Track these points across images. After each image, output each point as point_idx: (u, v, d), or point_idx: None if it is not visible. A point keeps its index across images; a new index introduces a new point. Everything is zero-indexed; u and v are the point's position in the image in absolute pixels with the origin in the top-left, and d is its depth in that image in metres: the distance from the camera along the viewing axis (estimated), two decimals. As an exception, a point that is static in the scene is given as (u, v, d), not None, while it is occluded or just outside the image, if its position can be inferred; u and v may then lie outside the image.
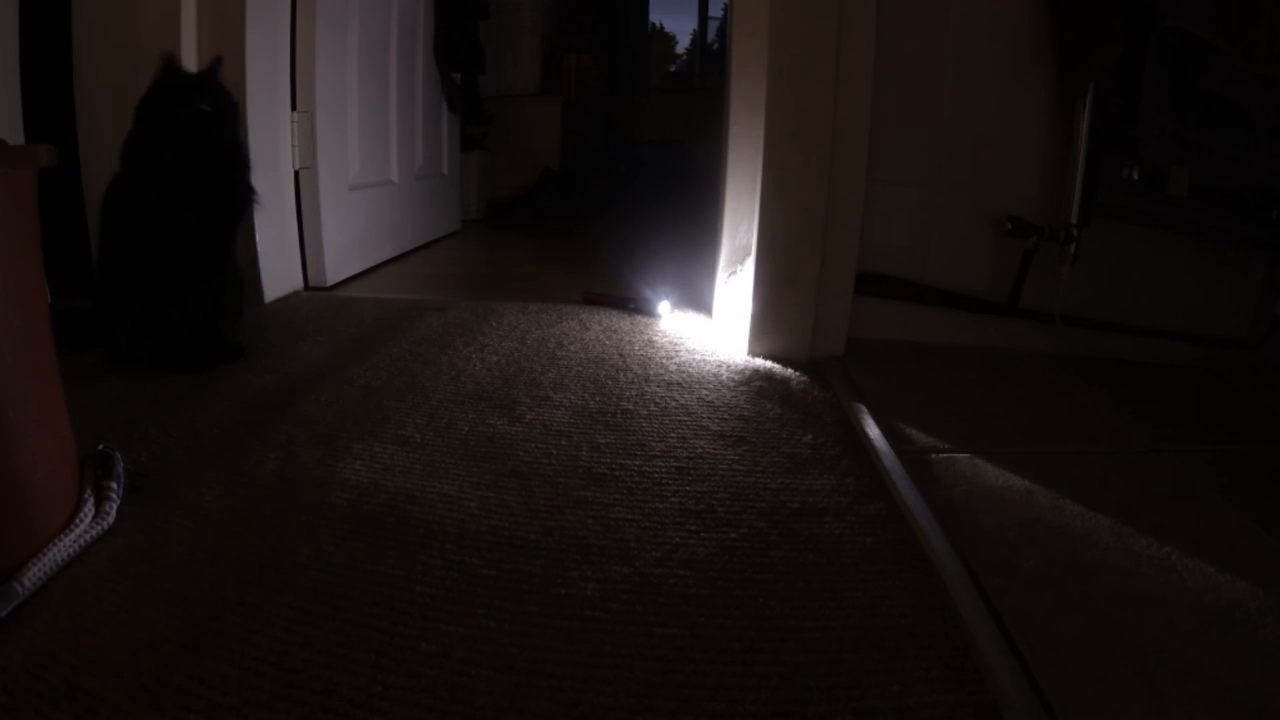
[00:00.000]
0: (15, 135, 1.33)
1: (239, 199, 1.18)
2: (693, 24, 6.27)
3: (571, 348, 1.29)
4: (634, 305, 1.54)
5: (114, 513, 0.73)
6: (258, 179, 1.50)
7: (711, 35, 6.10)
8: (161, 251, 1.10)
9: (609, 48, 4.13)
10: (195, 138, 1.09)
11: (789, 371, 1.21)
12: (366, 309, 1.52)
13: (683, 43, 6.75)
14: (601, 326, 1.42)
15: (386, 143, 2.02)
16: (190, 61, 1.43)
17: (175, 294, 1.12)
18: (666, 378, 1.16)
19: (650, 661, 0.58)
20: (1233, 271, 1.42)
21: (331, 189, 1.73)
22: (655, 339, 1.36)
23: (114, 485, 0.76)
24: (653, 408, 1.05)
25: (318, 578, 0.66)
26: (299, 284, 1.69)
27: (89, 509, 0.71)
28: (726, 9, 4.24)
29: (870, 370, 1.25)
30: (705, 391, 1.11)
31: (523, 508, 0.79)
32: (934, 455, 0.96)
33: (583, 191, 3.14)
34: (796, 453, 0.93)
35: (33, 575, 0.62)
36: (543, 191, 2.97)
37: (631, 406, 1.05)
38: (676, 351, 1.29)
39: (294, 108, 1.61)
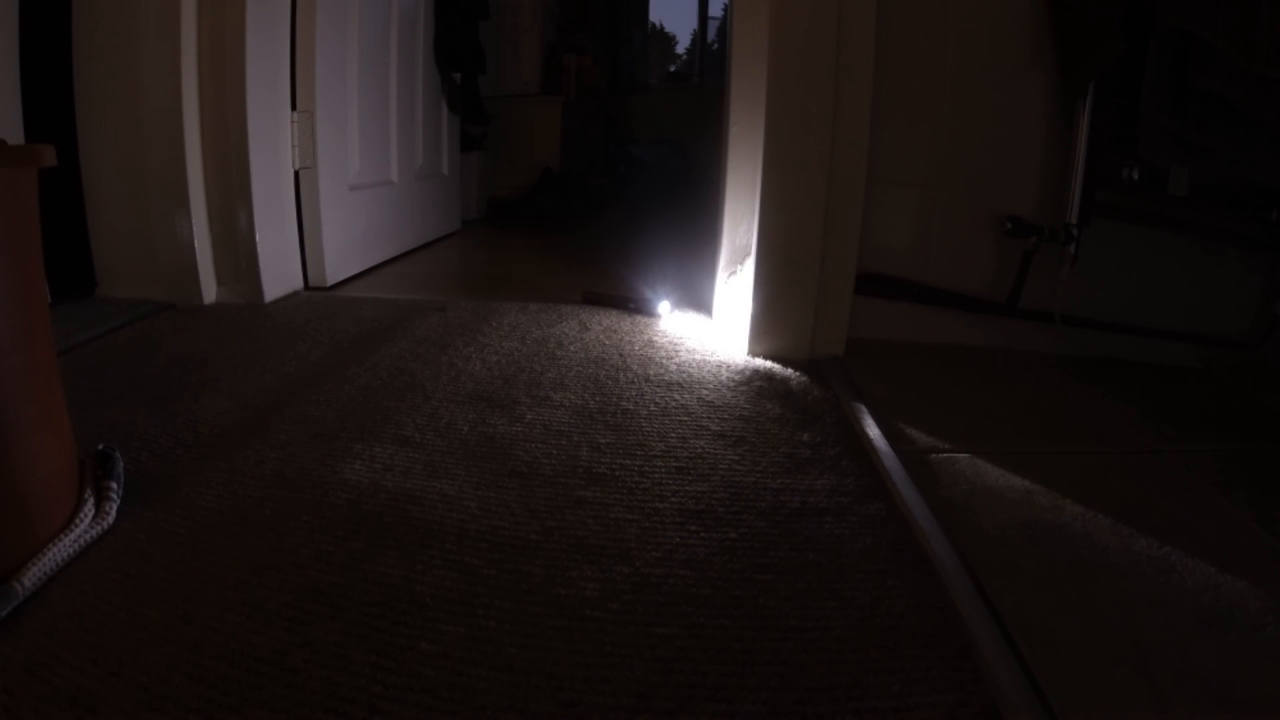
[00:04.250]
0: (15, 135, 1.33)
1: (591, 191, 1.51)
2: (693, 24, 6.29)
3: (571, 348, 1.29)
4: (634, 305, 1.54)
5: (114, 513, 0.73)
6: (258, 179, 1.51)
7: (711, 35, 6.11)
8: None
9: (609, 48, 4.12)
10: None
11: (789, 371, 1.21)
12: (366, 309, 1.52)
13: (683, 43, 6.77)
14: (601, 326, 1.42)
15: (386, 143, 2.02)
16: (189, 64, 1.43)
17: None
18: (666, 378, 1.16)
19: (650, 661, 0.58)
20: (1233, 271, 1.42)
21: (331, 189, 1.73)
22: (655, 339, 1.35)
23: (114, 485, 0.76)
24: (653, 408, 1.05)
25: (318, 578, 0.66)
26: (299, 284, 1.69)
27: (89, 509, 0.71)
28: (726, 9, 4.25)
29: (870, 370, 1.25)
30: (705, 391, 1.11)
31: (523, 508, 0.79)
32: (934, 455, 0.96)
33: (582, 191, 3.13)
34: (796, 453, 0.93)
35: (33, 575, 0.62)
36: (543, 191, 2.97)
37: (631, 406, 1.05)
38: (676, 351, 1.29)
39: (294, 108, 1.61)
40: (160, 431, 0.93)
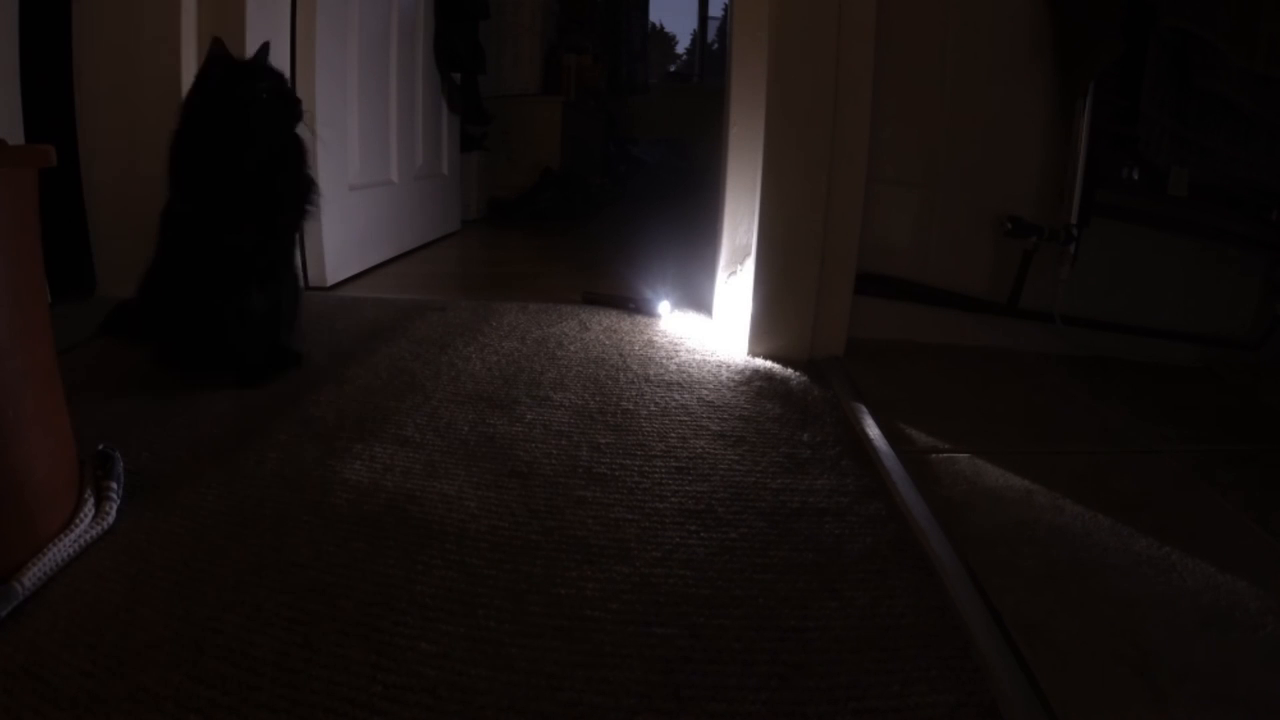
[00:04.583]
0: (15, 135, 1.33)
1: (302, 198, 1.07)
2: (693, 24, 6.29)
3: (571, 348, 1.29)
4: (634, 305, 1.54)
5: (114, 513, 0.73)
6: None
7: (711, 35, 6.11)
8: (218, 259, 1.01)
9: (609, 48, 4.13)
10: (255, 130, 0.99)
11: (789, 371, 1.21)
12: (366, 309, 1.52)
13: (683, 43, 6.77)
14: (601, 326, 1.42)
15: (386, 143, 2.02)
16: (189, 65, 1.43)
17: (233, 302, 1.03)
18: (666, 378, 1.16)
19: (650, 661, 0.58)
20: (1233, 271, 1.42)
21: (331, 189, 1.73)
22: (655, 339, 1.35)
23: (114, 485, 0.76)
24: (653, 408, 1.05)
25: (318, 578, 0.66)
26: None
27: (89, 509, 0.71)
28: (726, 9, 4.25)
29: (870, 370, 1.25)
30: (705, 391, 1.11)
31: (523, 508, 0.79)
32: (934, 455, 0.96)
33: (582, 191, 3.14)
34: (796, 453, 0.93)
35: (33, 575, 0.62)
36: (543, 191, 2.97)
37: (631, 406, 1.05)
38: (676, 351, 1.29)
39: (294, 108, 1.61)
40: (160, 431, 0.93)
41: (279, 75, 1.05)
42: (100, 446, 0.80)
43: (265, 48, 1.05)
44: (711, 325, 1.43)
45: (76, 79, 1.45)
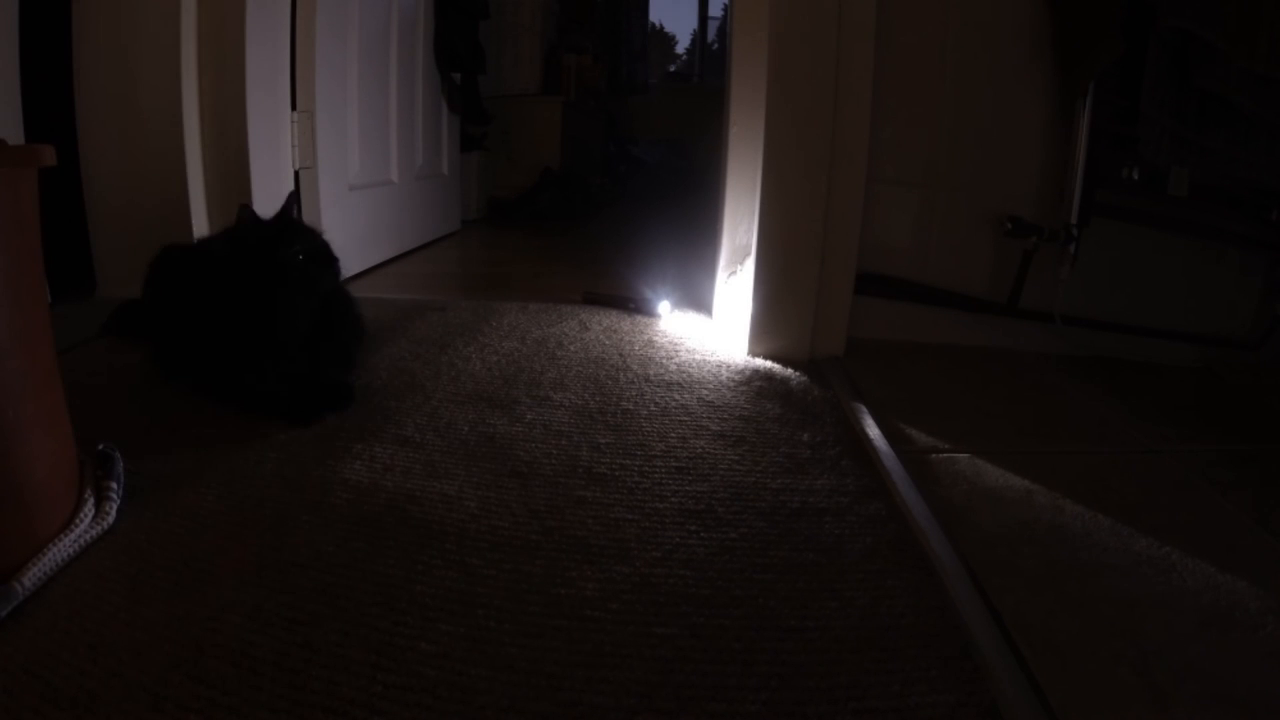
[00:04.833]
0: (15, 135, 1.33)
1: (353, 341, 1.13)
2: (693, 24, 6.30)
3: (571, 348, 1.29)
4: (634, 305, 1.54)
5: (114, 513, 0.73)
6: (258, 179, 1.51)
7: (711, 35, 6.12)
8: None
9: (609, 48, 4.13)
10: (294, 297, 1.01)
11: (789, 371, 1.21)
12: (366, 309, 1.51)
13: (683, 43, 6.78)
14: (601, 326, 1.42)
15: (386, 143, 2.02)
16: (189, 64, 1.43)
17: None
18: (666, 378, 1.16)
19: (650, 661, 0.58)
20: (1233, 271, 1.42)
21: (331, 189, 1.73)
22: (655, 339, 1.35)
23: (114, 485, 0.76)
24: (653, 408, 1.05)
25: (318, 578, 0.66)
26: (299, 284, 1.69)
27: (89, 509, 0.71)
28: (726, 9, 4.25)
29: (870, 370, 1.25)
30: (705, 391, 1.11)
31: (523, 508, 0.79)
32: (934, 455, 0.96)
33: (582, 191, 3.14)
34: (796, 453, 0.93)
35: (33, 575, 0.62)
36: (543, 191, 2.97)
37: (631, 406, 1.05)
38: (676, 351, 1.28)
39: (294, 108, 1.61)
40: (160, 431, 0.93)
41: (312, 232, 1.06)
42: (100, 446, 0.80)
43: (293, 197, 1.07)
44: (711, 325, 1.43)
45: (76, 79, 1.45)
